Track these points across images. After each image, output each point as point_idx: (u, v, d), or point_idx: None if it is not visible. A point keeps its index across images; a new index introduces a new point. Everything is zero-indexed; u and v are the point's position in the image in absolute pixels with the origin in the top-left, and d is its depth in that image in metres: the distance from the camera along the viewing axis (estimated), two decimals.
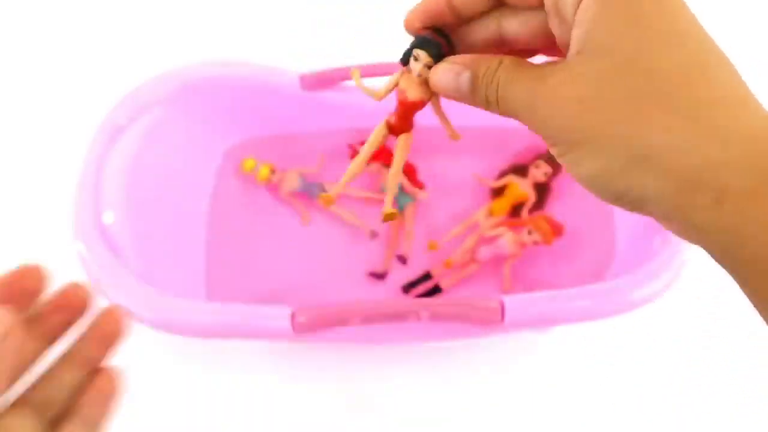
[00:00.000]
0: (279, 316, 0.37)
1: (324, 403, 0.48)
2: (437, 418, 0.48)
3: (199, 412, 0.48)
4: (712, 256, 0.20)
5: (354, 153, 0.51)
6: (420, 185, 0.51)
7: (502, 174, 0.52)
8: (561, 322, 0.39)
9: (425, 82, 0.26)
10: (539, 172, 0.50)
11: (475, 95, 0.25)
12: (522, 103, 0.23)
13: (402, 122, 0.28)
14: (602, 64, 0.20)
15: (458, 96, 0.25)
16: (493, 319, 0.37)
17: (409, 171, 0.51)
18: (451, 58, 0.25)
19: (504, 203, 0.50)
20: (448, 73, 0.25)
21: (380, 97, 0.28)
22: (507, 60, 0.24)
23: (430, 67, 0.25)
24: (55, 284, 0.53)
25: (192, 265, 0.48)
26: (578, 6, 0.21)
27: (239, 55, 0.48)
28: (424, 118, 0.56)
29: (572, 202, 0.50)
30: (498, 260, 0.49)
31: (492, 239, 0.49)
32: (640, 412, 0.48)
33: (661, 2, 0.20)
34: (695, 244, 0.21)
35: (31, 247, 0.53)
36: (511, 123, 0.60)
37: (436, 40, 0.26)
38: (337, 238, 0.51)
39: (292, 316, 0.36)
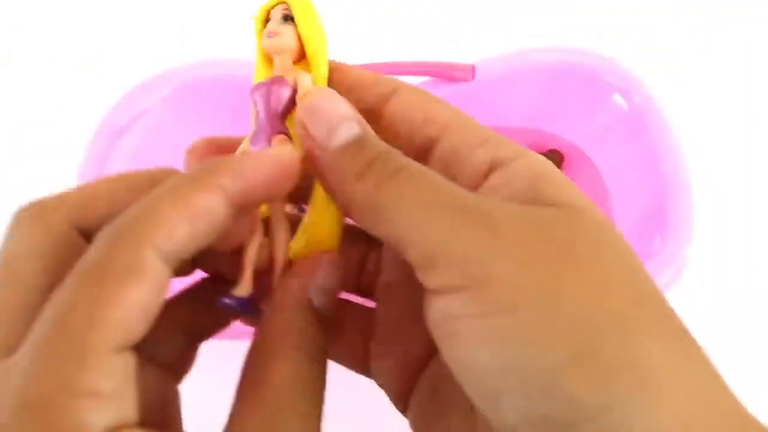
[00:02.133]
0: None
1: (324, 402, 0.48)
2: None
3: (198, 411, 0.48)
4: None
5: None
6: None
7: None
8: None
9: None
10: None
11: (352, 159, 0.17)
12: (418, 216, 0.16)
13: None
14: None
15: (318, 148, 0.17)
16: None
17: None
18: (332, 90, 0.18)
19: None
20: (331, 105, 0.18)
21: None
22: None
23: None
24: None
25: None
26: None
27: (239, 55, 0.48)
28: None
29: None
30: None
31: None
32: None
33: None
34: None
35: None
36: (511, 123, 0.60)
37: None
38: None
39: None
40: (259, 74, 0.21)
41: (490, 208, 0.15)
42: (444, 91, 0.47)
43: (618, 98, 0.46)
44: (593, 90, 0.47)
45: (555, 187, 0.16)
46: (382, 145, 0.17)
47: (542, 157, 0.18)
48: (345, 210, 0.18)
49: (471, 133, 0.18)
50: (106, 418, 0.13)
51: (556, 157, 0.50)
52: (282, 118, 0.19)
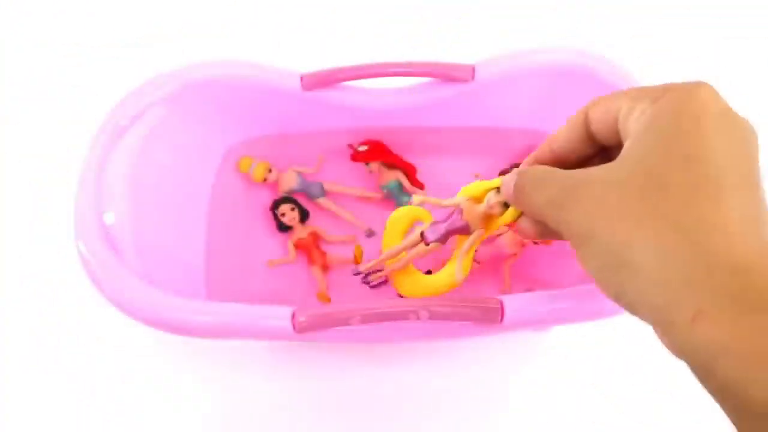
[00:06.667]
0: (279, 316, 0.37)
1: (324, 402, 0.48)
2: (437, 417, 0.48)
3: (198, 411, 0.48)
4: (694, 374, 0.21)
5: (354, 153, 0.51)
6: (420, 185, 0.51)
7: (502, 174, 0.51)
8: (561, 322, 0.39)
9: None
10: None
11: (511, 194, 0.29)
12: (550, 198, 0.26)
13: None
14: (629, 173, 0.22)
15: (510, 199, 0.30)
16: (493, 319, 0.37)
17: (409, 171, 0.52)
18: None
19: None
20: (509, 177, 0.29)
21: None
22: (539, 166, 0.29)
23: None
24: (57, 288, 0.53)
25: (192, 265, 0.48)
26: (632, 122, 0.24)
27: (239, 55, 0.48)
28: (425, 118, 0.56)
29: None
30: (498, 260, 0.49)
31: (492, 239, 0.49)
32: (640, 412, 0.48)
33: (698, 126, 0.22)
34: (680, 359, 0.21)
35: (32, 248, 0.53)
36: (511, 123, 0.60)
37: None
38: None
39: (293, 315, 0.36)
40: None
41: (585, 177, 0.24)
42: (444, 92, 0.47)
43: None
44: (593, 90, 0.47)
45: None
46: (522, 170, 0.29)
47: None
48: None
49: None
50: None
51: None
52: (451, 235, 0.36)
